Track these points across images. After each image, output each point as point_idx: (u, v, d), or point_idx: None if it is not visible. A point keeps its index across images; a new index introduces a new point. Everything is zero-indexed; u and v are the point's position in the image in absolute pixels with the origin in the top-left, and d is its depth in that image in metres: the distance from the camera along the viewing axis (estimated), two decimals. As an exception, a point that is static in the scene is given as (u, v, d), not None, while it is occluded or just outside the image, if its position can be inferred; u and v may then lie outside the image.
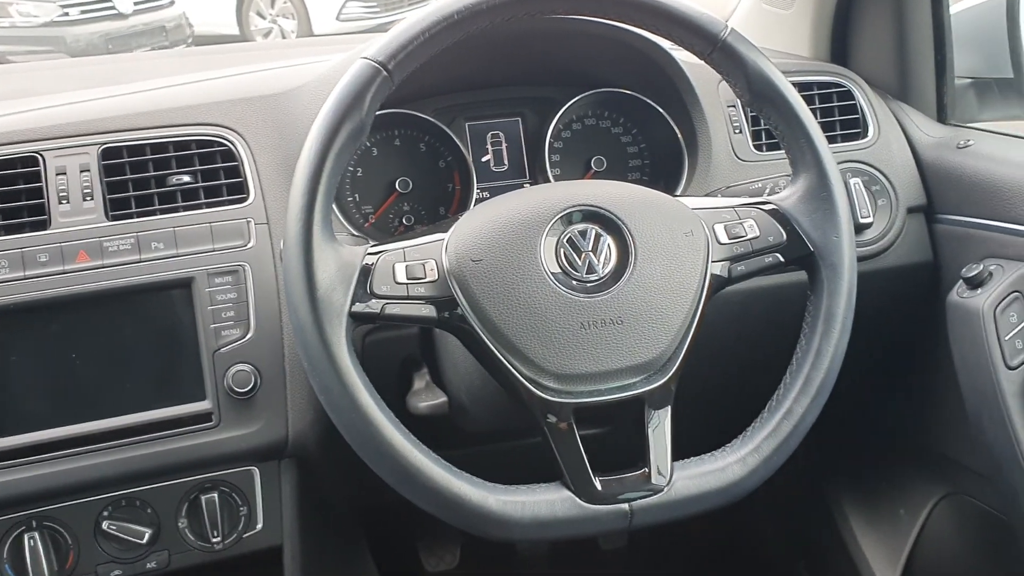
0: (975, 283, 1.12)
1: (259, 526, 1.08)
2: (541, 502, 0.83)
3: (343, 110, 0.84)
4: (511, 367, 0.85)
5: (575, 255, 0.87)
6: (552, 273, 0.85)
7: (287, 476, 1.09)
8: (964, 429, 1.16)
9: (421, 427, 0.87)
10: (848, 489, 1.49)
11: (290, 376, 1.04)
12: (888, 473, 1.44)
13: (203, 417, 1.02)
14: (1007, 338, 1.07)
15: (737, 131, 1.22)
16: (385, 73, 0.85)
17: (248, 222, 1.06)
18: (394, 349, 1.10)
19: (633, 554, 1.76)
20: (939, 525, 1.36)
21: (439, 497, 0.82)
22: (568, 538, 0.85)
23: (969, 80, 1.36)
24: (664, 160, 1.25)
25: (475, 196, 1.19)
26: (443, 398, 1.05)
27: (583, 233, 0.88)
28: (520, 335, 0.84)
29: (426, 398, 1.06)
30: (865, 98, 1.29)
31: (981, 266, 1.12)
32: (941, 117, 1.33)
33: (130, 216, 1.05)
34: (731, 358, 1.16)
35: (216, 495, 1.05)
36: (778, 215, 0.93)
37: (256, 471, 1.07)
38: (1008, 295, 1.08)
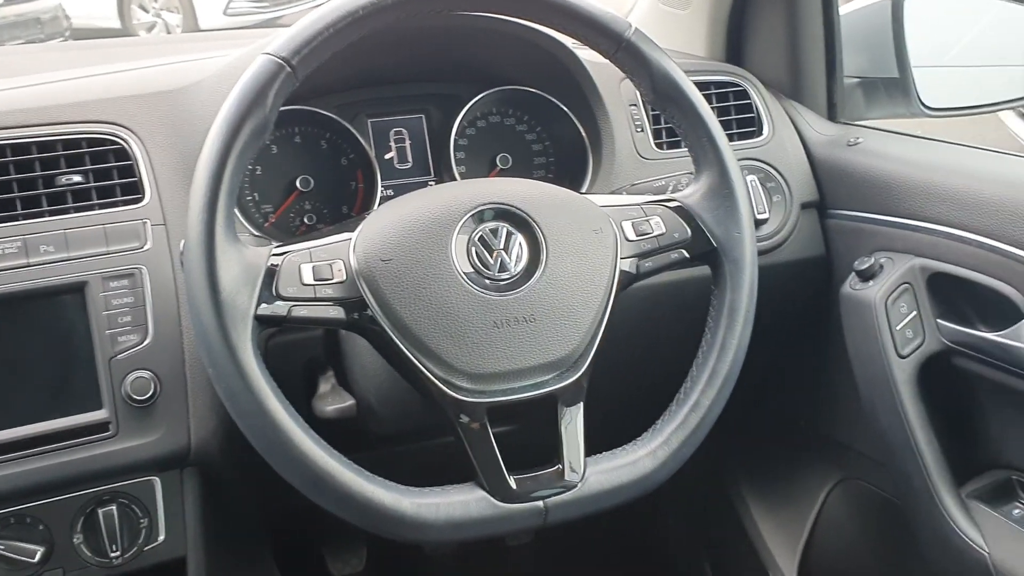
0: (867, 275, 1.16)
1: (161, 538, 1.04)
2: (456, 503, 0.83)
3: (246, 107, 0.81)
4: (423, 368, 0.84)
5: (487, 253, 0.87)
6: (464, 272, 0.85)
7: (190, 485, 1.05)
8: (858, 417, 1.21)
9: (328, 431, 0.85)
10: (747, 479, 1.53)
11: (191, 382, 1.00)
12: (785, 461, 1.49)
13: (99, 427, 0.98)
14: (898, 328, 1.11)
15: (639, 129, 1.24)
16: (289, 69, 0.83)
17: (144, 223, 1.02)
18: (298, 352, 1.08)
19: (540, 551, 1.77)
20: (835, 510, 1.41)
21: (352, 502, 0.81)
22: (484, 538, 0.84)
23: (857, 80, 1.41)
24: (569, 158, 1.25)
25: (379, 194, 1.18)
26: (351, 401, 1.04)
27: (494, 231, 0.87)
28: (432, 335, 0.83)
29: (333, 401, 1.04)
30: (760, 97, 1.33)
31: (872, 259, 1.16)
32: (832, 115, 1.37)
33: (15, 218, 0.99)
34: (640, 353, 1.18)
35: (115, 508, 1.00)
36: (683, 212, 0.95)
37: (157, 481, 1.03)
38: (898, 287, 1.12)
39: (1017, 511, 1.06)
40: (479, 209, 0.87)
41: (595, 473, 0.86)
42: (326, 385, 1.07)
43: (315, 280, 0.83)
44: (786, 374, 1.42)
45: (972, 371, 1.11)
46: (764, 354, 1.39)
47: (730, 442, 1.53)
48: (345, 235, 0.86)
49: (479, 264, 0.86)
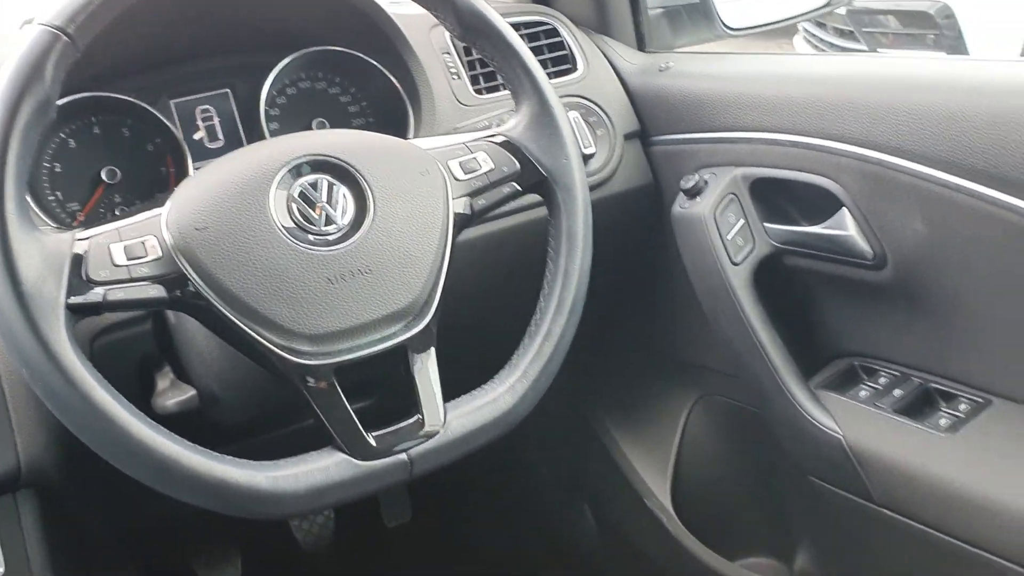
0: (693, 193, 1.18)
1: (1, 571, 0.95)
2: (315, 470, 0.79)
3: (22, 83, 0.75)
4: (260, 338, 0.79)
5: (309, 209, 0.83)
6: (286, 229, 0.81)
7: (27, 509, 0.97)
8: (706, 334, 1.23)
9: (175, 430, 0.80)
10: (611, 413, 1.55)
11: (10, 394, 0.92)
12: (645, 389, 1.52)
13: None
14: (729, 238, 1.14)
15: (455, 77, 1.22)
16: (66, 38, 0.76)
17: None
18: (128, 350, 1.01)
19: (419, 527, 1.75)
20: (697, 429, 1.45)
21: (203, 485, 0.75)
22: (350, 500, 0.81)
23: (661, 9, 1.44)
24: (388, 114, 1.22)
25: None
26: (191, 391, 0.98)
27: (315, 184, 0.83)
28: (263, 301, 0.79)
29: (173, 395, 0.98)
30: (570, 34, 1.33)
31: (696, 177, 1.19)
32: (641, 46, 1.39)
33: None
34: (490, 296, 1.17)
35: None
36: (508, 145, 0.93)
37: None
38: (724, 198, 1.15)
39: (863, 392, 1.11)
40: (295, 163, 0.83)
41: (456, 417, 0.84)
42: (164, 381, 1.01)
43: (128, 260, 0.77)
44: (634, 303, 1.45)
45: (804, 267, 1.15)
46: (609, 285, 1.41)
47: (590, 378, 1.55)
48: (155, 210, 0.81)
49: (303, 220, 0.82)
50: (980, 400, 1.03)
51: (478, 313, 1.14)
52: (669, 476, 1.46)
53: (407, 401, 0.84)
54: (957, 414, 1.03)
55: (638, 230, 1.34)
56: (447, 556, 1.76)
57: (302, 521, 1.66)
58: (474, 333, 1.11)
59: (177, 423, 0.91)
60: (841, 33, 4.08)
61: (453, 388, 0.88)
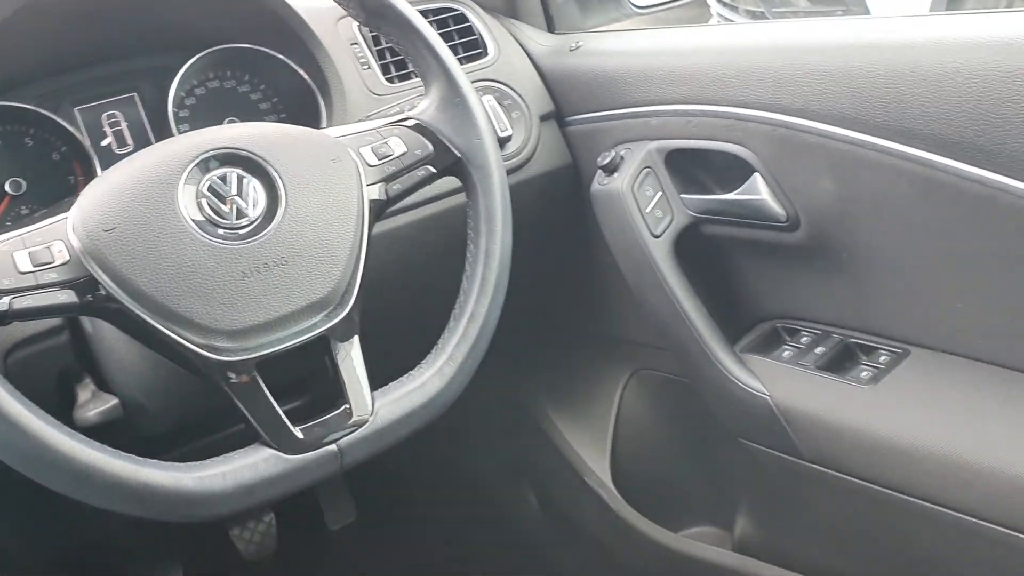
0: (610, 169, 1.19)
1: None
2: (242, 467, 0.78)
3: None
4: (177, 337, 0.77)
5: (219, 203, 0.81)
6: (197, 224, 0.79)
7: None
8: (634, 309, 1.25)
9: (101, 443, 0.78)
10: (549, 395, 1.56)
11: None
12: (580, 369, 1.53)
13: None
14: (648, 211, 1.15)
15: (365, 67, 1.21)
16: None
17: None
18: (45, 365, 0.98)
19: (364, 527, 1.73)
20: (632, 404, 1.46)
21: (127, 491, 0.74)
22: (281, 495, 0.80)
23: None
24: (300, 108, 1.21)
25: None
26: (114, 400, 0.95)
27: (224, 178, 0.82)
28: (179, 300, 0.77)
29: (94, 406, 0.96)
30: (479, 19, 1.33)
31: (612, 153, 1.20)
32: (551, 28, 1.40)
33: None
34: (418, 283, 1.16)
35: None
36: (421, 128, 0.93)
37: None
38: (640, 172, 1.16)
39: (787, 352, 1.13)
40: (202, 158, 0.82)
41: (385, 405, 0.84)
42: (85, 393, 0.98)
43: (34, 266, 0.75)
44: (563, 283, 1.45)
45: (722, 234, 1.17)
46: (537, 267, 1.41)
47: (526, 362, 1.55)
48: (60, 215, 0.79)
49: (213, 215, 0.81)
50: (899, 351, 1.06)
51: (408, 300, 1.14)
52: (608, 453, 1.47)
53: (331, 389, 0.83)
54: (877, 366, 1.05)
55: (561, 210, 1.35)
56: (395, 555, 1.75)
57: (242, 530, 1.63)
58: (405, 320, 1.10)
59: (102, 435, 0.88)
60: (752, 15, 4.15)
61: (390, 377, 0.87)
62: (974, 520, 0.93)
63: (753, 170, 1.08)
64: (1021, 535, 0.90)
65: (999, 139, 0.87)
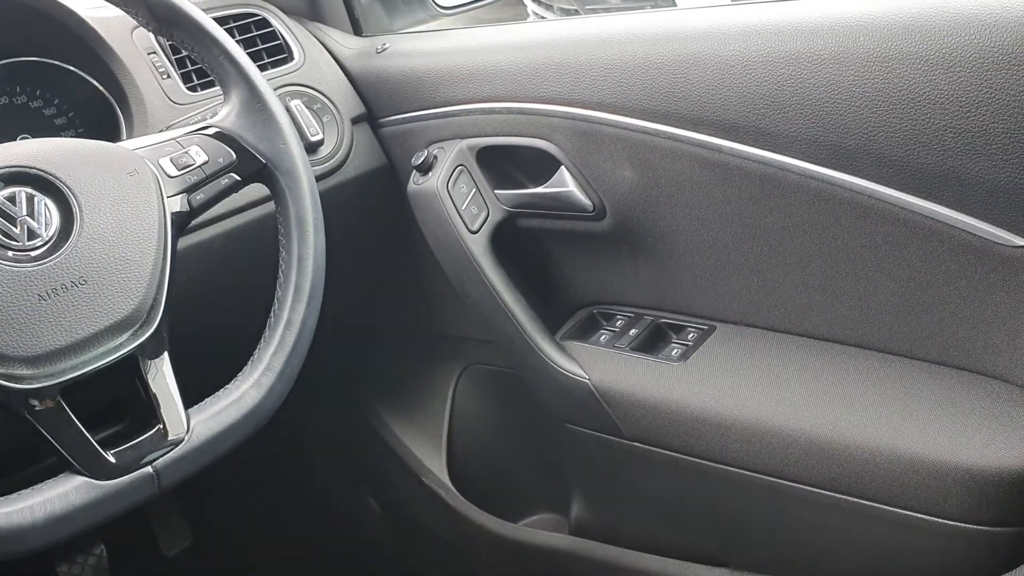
0: (424, 169, 1.20)
1: None
2: (53, 498, 0.74)
3: None
4: None
5: (9, 225, 0.77)
6: None
7: None
8: (460, 304, 1.26)
9: None
10: (381, 395, 1.55)
11: None
12: (410, 366, 1.53)
13: None
14: (463, 208, 1.17)
15: (165, 76, 1.18)
16: None
17: None
18: None
19: (201, 550, 1.68)
20: (465, 400, 1.48)
21: None
22: (98, 524, 0.77)
23: (372, -6, 1.45)
24: (97, 122, 1.16)
25: None
26: None
27: (11, 199, 0.78)
28: None
29: None
30: (282, 24, 1.32)
31: (426, 152, 1.21)
32: (357, 31, 1.40)
33: None
34: (233, 296, 1.14)
35: None
36: (222, 136, 0.91)
37: None
38: (454, 170, 1.18)
39: (604, 336, 1.18)
40: None
41: (201, 421, 0.82)
42: None
43: None
44: (389, 284, 1.46)
45: (536, 227, 1.20)
46: (360, 270, 1.41)
47: (357, 366, 1.54)
48: None
49: (3, 237, 0.77)
50: (704, 327, 1.12)
51: (223, 313, 1.11)
52: (444, 451, 1.48)
53: (144, 410, 0.80)
54: (686, 343, 1.11)
55: (380, 211, 1.35)
56: None
57: (71, 565, 1.55)
58: (222, 334, 1.08)
59: None
60: (566, 13, 4.25)
61: (211, 394, 0.85)
62: (778, 481, 1.00)
63: (559, 164, 1.12)
64: (820, 491, 0.97)
65: (777, 121, 0.94)
